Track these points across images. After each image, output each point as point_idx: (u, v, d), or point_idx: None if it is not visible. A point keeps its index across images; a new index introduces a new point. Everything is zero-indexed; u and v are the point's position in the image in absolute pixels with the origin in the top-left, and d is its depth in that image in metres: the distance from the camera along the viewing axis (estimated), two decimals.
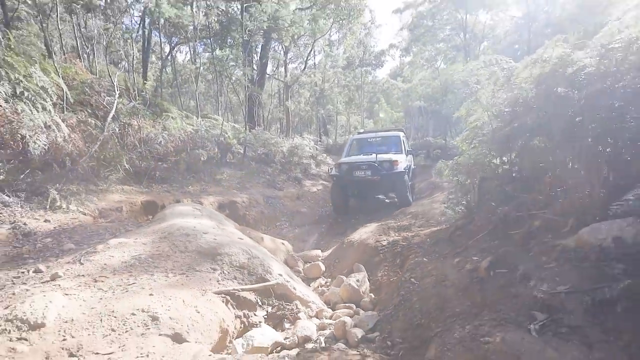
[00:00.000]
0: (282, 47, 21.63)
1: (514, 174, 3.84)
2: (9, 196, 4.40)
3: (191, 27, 13.43)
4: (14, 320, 1.94)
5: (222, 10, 14.83)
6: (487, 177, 4.22)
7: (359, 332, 2.74)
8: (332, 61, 24.18)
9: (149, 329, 2.13)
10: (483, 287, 2.49)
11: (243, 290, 3.14)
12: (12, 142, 4.83)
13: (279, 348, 2.60)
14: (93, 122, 6.61)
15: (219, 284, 3.09)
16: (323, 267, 5.44)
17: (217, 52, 12.14)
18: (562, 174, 3.07)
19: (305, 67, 23.74)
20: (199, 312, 2.49)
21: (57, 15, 11.53)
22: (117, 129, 7.42)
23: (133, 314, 2.20)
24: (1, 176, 4.61)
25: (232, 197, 8.56)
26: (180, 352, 1.97)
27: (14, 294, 2.31)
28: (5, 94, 5.05)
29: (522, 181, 3.65)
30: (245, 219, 8.14)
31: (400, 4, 26.15)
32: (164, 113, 10.49)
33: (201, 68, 15.11)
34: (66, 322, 2.04)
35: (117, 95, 7.28)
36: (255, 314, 3.10)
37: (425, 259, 3.92)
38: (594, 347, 1.67)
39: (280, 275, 3.55)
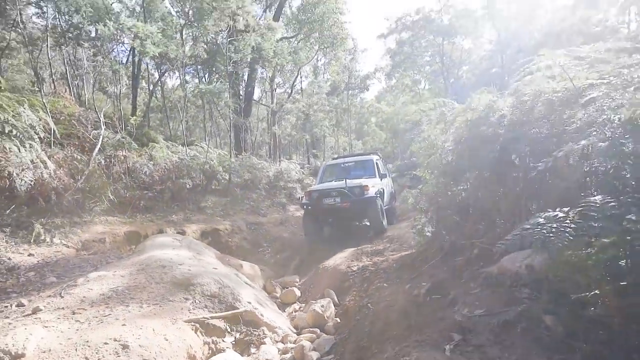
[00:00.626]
0: (268, 75, 22.43)
1: (463, 205, 4.26)
2: None
3: (181, 58, 14.03)
4: None
5: (210, 39, 15.51)
6: (442, 207, 4.64)
7: (314, 355, 3.04)
8: (318, 87, 25.10)
9: (119, 356, 2.41)
10: (419, 311, 2.83)
11: (212, 318, 3.42)
12: None
13: None
14: (79, 156, 6.90)
15: (190, 312, 3.37)
16: (298, 293, 5.70)
17: (202, 86, 12.63)
18: (495, 205, 3.48)
19: (291, 93, 24.55)
20: (167, 340, 2.77)
21: (47, 46, 11.99)
22: (102, 161, 7.74)
23: (105, 343, 2.47)
24: None
25: (215, 224, 8.83)
26: None
27: None
28: None
29: (469, 211, 4.06)
30: (228, 246, 8.38)
31: (385, 29, 27.36)
32: (150, 143, 10.84)
33: (189, 95, 15.61)
34: (44, 352, 2.31)
35: (102, 129, 7.63)
36: (223, 340, 3.37)
37: (385, 285, 4.25)
38: None
39: (249, 302, 3.84)
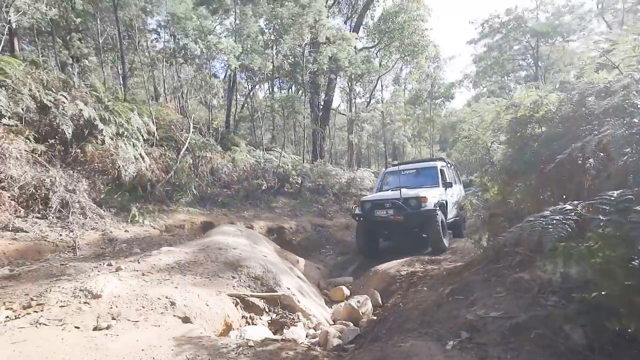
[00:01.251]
0: (347, 85, 23.03)
1: (513, 210, 3.96)
2: (104, 211, 5.82)
3: (264, 71, 15.46)
4: (84, 290, 2.88)
5: (292, 52, 16.73)
6: (495, 214, 4.35)
7: (335, 341, 3.18)
8: (396, 96, 24.87)
9: (167, 310, 2.91)
10: (439, 309, 2.78)
11: (252, 296, 3.80)
12: (111, 170, 6.38)
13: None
14: (172, 155, 8.15)
15: (234, 289, 3.81)
16: (347, 292, 5.84)
17: (277, 95, 13.69)
18: (540, 208, 3.20)
19: (369, 102, 24.77)
20: (208, 306, 3.22)
21: (162, 66, 14.42)
22: (191, 160, 8.97)
23: (159, 299, 3.01)
24: (102, 195, 6.11)
25: (282, 223, 9.45)
26: (182, 327, 2.70)
27: (89, 276, 3.31)
28: (112, 134, 6.73)
29: (517, 216, 3.76)
30: (291, 244, 8.89)
31: (476, 34, 25.52)
32: (233, 147, 12.12)
33: (274, 105, 16.96)
34: (115, 296, 2.92)
35: (191, 133, 8.87)
36: (260, 318, 3.72)
37: (425, 289, 4.16)
38: (484, 358, 1.95)
39: (289, 289, 4.15)
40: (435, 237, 6.64)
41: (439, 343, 2.18)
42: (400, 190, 6.88)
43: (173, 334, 2.53)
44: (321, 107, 19.87)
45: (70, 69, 11.53)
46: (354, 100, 26.04)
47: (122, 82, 12.68)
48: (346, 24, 22.66)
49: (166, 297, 3.05)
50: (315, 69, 13.91)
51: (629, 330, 1.81)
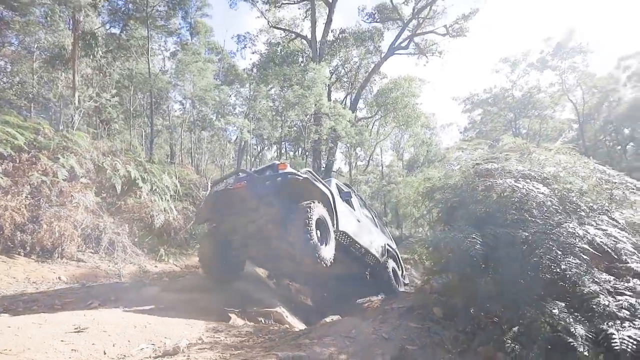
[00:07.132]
0: (348, 150, 25.50)
1: None
2: (140, 250, 7.38)
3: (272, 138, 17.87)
4: (140, 294, 4.39)
5: (297, 123, 19.33)
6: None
7: None
8: (393, 161, 27.17)
9: (189, 304, 4.38)
10: (373, 307, 4.22)
11: (252, 311, 5.20)
12: (146, 219, 8.06)
13: None
14: (192, 208, 9.88)
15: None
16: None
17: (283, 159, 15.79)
18: None
19: (367, 166, 27.04)
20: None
21: (181, 130, 16.86)
22: None
23: (191, 300, 4.48)
24: (137, 238, 7.71)
25: None
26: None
27: (140, 288, 4.81)
28: (147, 190, 8.52)
29: None
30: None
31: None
32: None
33: None
34: (160, 296, 4.41)
35: (208, 191, 10.68)
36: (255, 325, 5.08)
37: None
38: (384, 322, 3.39)
39: (280, 308, 5.54)
40: (298, 233, 4.01)
41: (363, 319, 3.62)
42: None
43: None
44: (322, 170, 22.06)
45: (96, 130, 13.76)
46: (354, 164, 28.42)
47: (149, 145, 14.96)
48: (347, 98, 25.86)
49: (190, 298, 4.53)
50: (317, 138, 16.17)
51: (459, 305, 3.29)
